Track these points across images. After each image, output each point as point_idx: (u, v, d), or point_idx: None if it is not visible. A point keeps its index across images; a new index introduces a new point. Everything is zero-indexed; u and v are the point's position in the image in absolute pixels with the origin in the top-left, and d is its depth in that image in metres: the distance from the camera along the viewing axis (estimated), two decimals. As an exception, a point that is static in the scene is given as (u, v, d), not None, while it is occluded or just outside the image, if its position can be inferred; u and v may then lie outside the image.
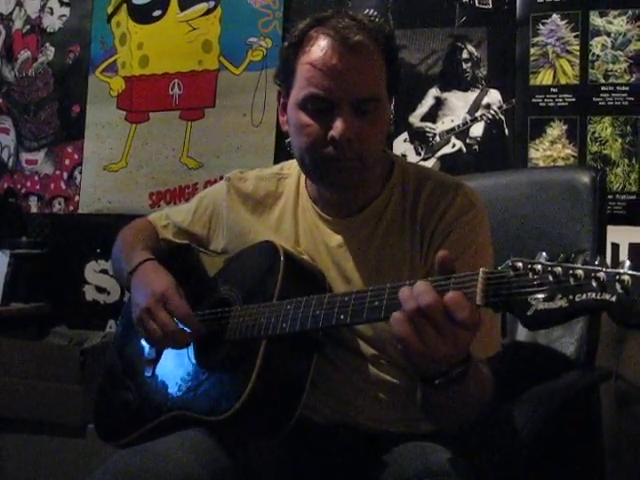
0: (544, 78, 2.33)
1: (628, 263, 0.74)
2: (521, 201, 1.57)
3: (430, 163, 2.42)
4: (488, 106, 2.38)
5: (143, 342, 1.32)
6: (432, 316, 0.87)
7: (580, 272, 0.76)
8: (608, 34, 2.26)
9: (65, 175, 2.95)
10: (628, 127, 2.23)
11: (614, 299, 0.73)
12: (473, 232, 1.19)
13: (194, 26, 2.77)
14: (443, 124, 2.44)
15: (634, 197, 2.22)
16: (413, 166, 1.32)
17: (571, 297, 0.76)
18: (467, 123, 2.40)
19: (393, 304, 0.93)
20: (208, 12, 2.75)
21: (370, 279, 1.18)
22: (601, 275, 0.75)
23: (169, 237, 1.43)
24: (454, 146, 2.42)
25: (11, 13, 3.06)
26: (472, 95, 2.41)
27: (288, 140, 1.24)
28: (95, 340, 2.57)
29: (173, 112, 2.78)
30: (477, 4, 2.41)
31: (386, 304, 0.96)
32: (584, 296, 0.75)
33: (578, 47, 2.29)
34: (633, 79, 2.23)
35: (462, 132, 2.41)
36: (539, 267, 0.80)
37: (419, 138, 2.46)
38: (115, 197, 2.84)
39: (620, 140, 2.24)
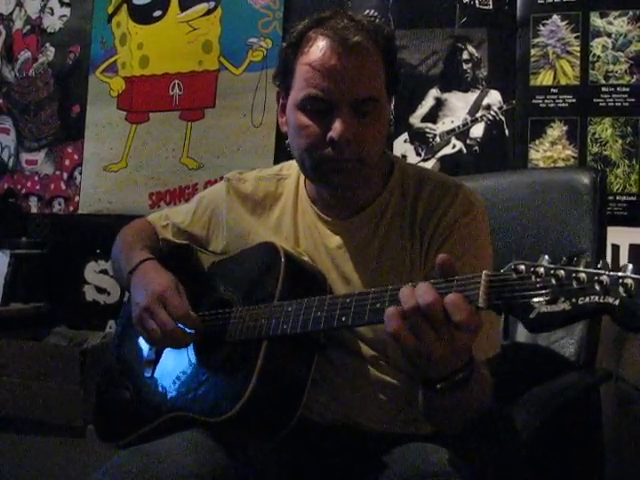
0: (544, 79, 2.33)
1: (631, 267, 0.74)
2: (521, 202, 1.57)
3: (430, 164, 2.42)
4: (488, 107, 2.38)
5: (143, 342, 1.32)
6: (431, 315, 0.87)
7: (583, 275, 0.76)
8: (609, 35, 2.26)
9: (65, 175, 2.94)
10: (628, 128, 2.23)
11: (617, 303, 0.73)
12: (473, 233, 1.19)
13: (194, 26, 2.77)
14: (443, 125, 2.43)
15: (634, 198, 2.22)
16: (413, 167, 1.32)
17: (574, 300, 0.76)
18: (467, 124, 2.40)
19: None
20: (208, 12, 2.75)
21: (370, 280, 1.18)
22: (604, 278, 0.74)
23: (169, 237, 1.43)
24: (454, 147, 2.42)
25: (11, 13, 3.06)
26: (472, 96, 2.40)
27: (288, 141, 1.23)
28: (95, 340, 2.56)
29: (173, 112, 2.78)
30: (477, 5, 2.41)
31: (388, 306, 0.96)
32: (587, 299, 0.75)
33: (578, 48, 2.29)
34: (633, 80, 2.23)
35: (462, 133, 2.41)
36: (542, 270, 0.80)
37: (419, 139, 2.46)
38: (115, 197, 2.84)
39: (620, 141, 2.24)
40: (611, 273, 0.74)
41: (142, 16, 2.85)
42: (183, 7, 2.79)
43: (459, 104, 2.42)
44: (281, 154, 2.54)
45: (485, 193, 1.43)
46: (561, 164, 2.28)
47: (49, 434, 2.33)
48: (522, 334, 1.52)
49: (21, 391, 2.35)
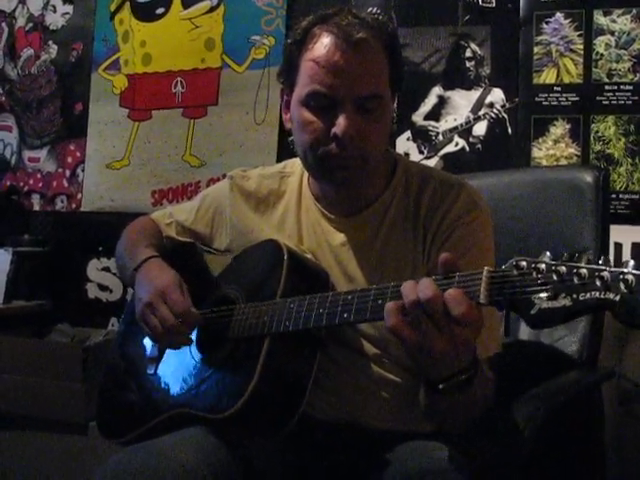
0: (547, 77, 2.32)
1: (632, 262, 0.74)
2: (524, 200, 1.57)
3: (433, 162, 2.42)
4: (491, 105, 2.38)
5: (146, 340, 1.33)
6: (431, 310, 0.87)
7: (584, 271, 0.76)
8: (612, 33, 2.26)
9: (67, 173, 2.95)
10: (632, 126, 2.23)
11: (618, 298, 0.74)
12: (475, 231, 1.19)
13: (197, 24, 2.76)
14: (446, 123, 2.43)
15: (637, 196, 2.21)
16: (416, 165, 1.32)
17: (575, 296, 0.76)
18: (470, 122, 2.40)
19: None
20: (211, 10, 2.75)
21: (373, 277, 1.18)
22: (605, 274, 0.75)
23: (172, 235, 1.44)
24: (457, 145, 2.42)
25: (14, 11, 3.06)
26: (475, 94, 2.40)
27: (291, 138, 1.24)
28: (97, 338, 2.57)
29: (176, 110, 2.78)
30: (480, 3, 2.40)
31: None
32: (588, 295, 0.75)
33: (582, 46, 2.29)
34: (637, 78, 2.23)
35: (465, 131, 2.41)
36: (543, 266, 0.80)
37: (422, 137, 2.46)
38: (117, 195, 2.84)
39: (623, 139, 2.23)
40: (612, 269, 0.75)
41: (145, 13, 2.85)
42: (186, 4, 2.79)
43: (462, 102, 2.42)
44: (284, 152, 2.54)
45: (488, 191, 1.43)
46: (564, 162, 2.28)
47: (51, 431, 2.33)
48: (525, 332, 1.51)
49: (23, 388, 2.35)
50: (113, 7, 2.90)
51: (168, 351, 1.29)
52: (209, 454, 1.09)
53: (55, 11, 3.00)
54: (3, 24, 3.07)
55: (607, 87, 2.25)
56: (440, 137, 2.44)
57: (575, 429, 1.41)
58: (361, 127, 1.13)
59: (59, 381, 2.32)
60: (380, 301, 0.97)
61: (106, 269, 2.82)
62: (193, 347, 1.25)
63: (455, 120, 2.42)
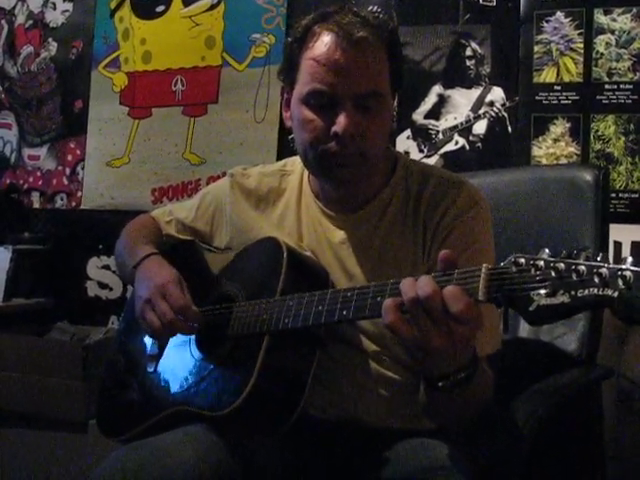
0: (547, 76, 2.32)
1: (630, 259, 0.74)
2: (524, 199, 1.57)
3: (433, 160, 2.42)
4: (491, 103, 2.38)
5: (146, 338, 1.33)
6: (429, 307, 0.87)
7: (582, 268, 0.76)
8: (612, 32, 2.26)
9: (67, 171, 2.95)
10: (631, 125, 2.23)
11: (616, 295, 0.73)
12: (475, 229, 1.19)
13: (197, 22, 2.77)
14: (446, 121, 2.43)
15: (637, 195, 2.21)
16: (416, 163, 1.32)
17: (573, 293, 0.76)
18: (470, 120, 2.40)
19: None
20: (211, 8, 2.75)
21: (372, 275, 1.19)
22: (603, 271, 0.74)
23: (172, 233, 1.44)
24: (457, 143, 2.42)
25: (14, 8, 3.06)
26: (475, 92, 2.40)
27: (291, 136, 1.24)
28: (97, 336, 2.57)
29: (176, 108, 2.78)
30: (481, 1, 2.41)
31: (388, 299, 0.96)
32: (586, 292, 0.75)
33: (582, 45, 2.29)
34: (637, 77, 2.23)
35: (465, 129, 2.41)
36: (541, 263, 0.80)
37: (422, 135, 2.46)
38: (118, 193, 2.84)
39: (623, 138, 2.23)
40: (610, 266, 0.74)
41: (145, 11, 2.85)
42: (186, 2, 2.79)
43: (462, 101, 2.42)
44: (284, 150, 2.54)
45: (488, 190, 1.43)
46: (564, 161, 2.28)
47: (51, 429, 2.34)
48: (524, 329, 1.51)
49: (23, 386, 2.36)
50: (113, 5, 2.90)
51: (168, 349, 1.29)
52: (209, 451, 1.09)
53: (55, 8, 3.00)
54: (3, 21, 3.07)
55: (607, 86, 2.26)
56: (440, 136, 2.44)
57: (574, 427, 1.42)
58: (361, 125, 1.13)
59: (59, 379, 2.32)
60: (379, 298, 0.97)
61: (106, 267, 2.82)
62: (193, 345, 1.26)
63: (455, 119, 2.42)
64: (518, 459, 1.15)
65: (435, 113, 2.45)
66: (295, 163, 1.35)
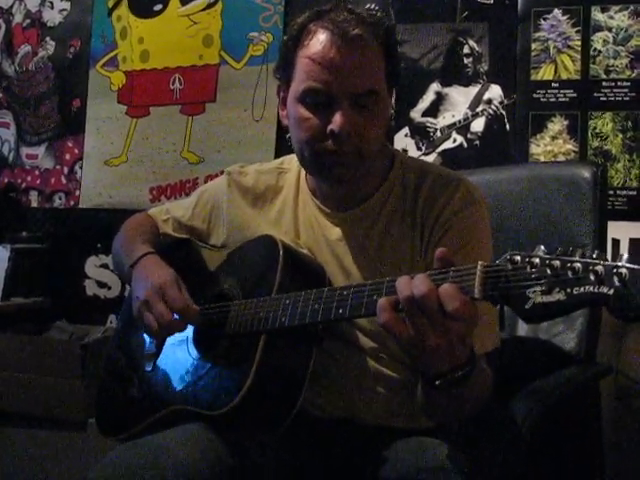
0: (545, 73, 2.32)
1: (626, 256, 0.74)
2: (522, 196, 1.57)
3: (431, 158, 2.42)
4: (489, 101, 2.38)
5: (144, 337, 1.32)
6: (425, 306, 0.87)
7: (578, 265, 0.76)
8: (609, 29, 2.26)
9: (66, 170, 2.94)
10: (629, 122, 2.23)
11: (612, 292, 0.73)
12: (473, 227, 1.18)
13: (195, 20, 2.76)
14: (444, 119, 2.43)
15: (635, 192, 2.21)
16: (414, 160, 1.32)
17: (569, 290, 0.76)
18: (468, 118, 2.40)
19: None
20: (209, 6, 2.75)
21: (370, 272, 1.18)
22: (599, 268, 0.74)
23: (169, 231, 1.44)
24: (455, 141, 2.42)
25: (11, 7, 3.05)
26: (473, 90, 2.40)
27: (289, 135, 1.23)
28: (96, 335, 2.56)
29: (174, 107, 2.78)
30: (478, -1, 2.41)
31: (385, 298, 0.96)
32: (582, 289, 0.75)
33: (579, 42, 2.29)
34: (634, 74, 2.23)
35: (463, 127, 2.41)
36: (537, 260, 0.79)
37: (420, 133, 2.46)
38: (116, 192, 2.84)
39: (621, 135, 2.23)
40: (606, 263, 0.74)
41: (142, 10, 2.85)
42: (184, 1, 2.79)
43: (460, 98, 2.42)
44: (282, 148, 2.54)
45: (486, 187, 1.43)
46: (562, 158, 2.28)
47: (50, 428, 2.33)
48: (523, 327, 1.51)
49: (22, 386, 2.36)
50: (111, 3, 2.89)
51: (165, 347, 1.29)
52: (207, 450, 1.09)
53: (52, 7, 2.99)
54: (0, 20, 3.07)
55: (605, 83, 2.26)
56: (438, 133, 2.44)
57: (573, 424, 1.42)
58: (357, 123, 1.13)
59: (58, 378, 2.32)
60: (375, 297, 0.97)
61: (104, 266, 2.81)
62: (190, 343, 1.25)
63: (453, 116, 2.42)
64: (517, 458, 1.15)
65: (433, 111, 2.45)
66: (292, 161, 1.35)
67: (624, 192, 2.22)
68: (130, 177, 2.82)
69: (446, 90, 2.44)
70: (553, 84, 2.31)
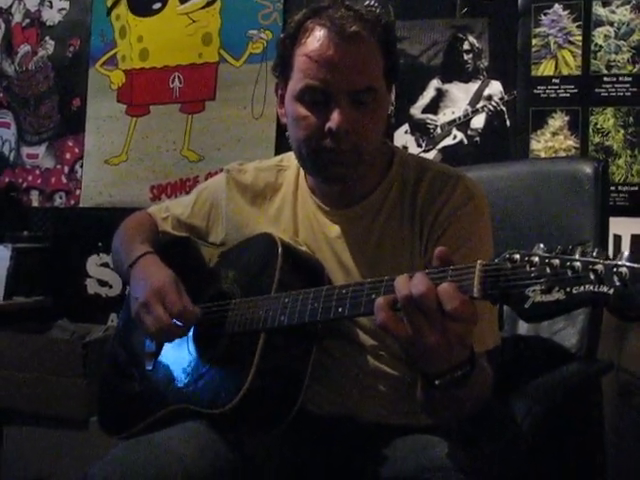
0: (546, 69, 2.31)
1: (627, 254, 0.73)
2: (523, 192, 1.57)
3: (431, 155, 2.42)
4: (489, 97, 2.37)
5: (144, 336, 1.32)
6: (423, 305, 0.86)
7: (578, 264, 0.75)
8: (611, 24, 2.25)
9: (66, 169, 2.94)
10: (630, 118, 2.22)
11: (611, 292, 0.72)
12: (473, 224, 1.18)
13: (194, 19, 2.76)
14: (444, 115, 2.43)
15: (636, 188, 2.20)
16: (413, 157, 1.31)
17: (568, 289, 0.75)
18: (468, 114, 2.39)
19: None
20: (208, 5, 2.75)
21: (369, 270, 1.18)
22: (599, 267, 0.73)
23: (168, 230, 1.43)
24: (455, 138, 2.41)
25: (10, 6, 3.05)
26: (473, 86, 2.39)
27: (288, 133, 1.22)
28: (97, 333, 2.57)
29: (173, 105, 2.78)
30: (478, -6, 2.40)
31: (383, 296, 0.95)
32: (582, 288, 0.74)
33: (580, 37, 2.28)
34: (636, 70, 2.22)
35: (463, 123, 2.40)
36: (536, 259, 0.79)
37: (420, 130, 2.45)
38: (116, 191, 2.84)
39: (622, 131, 2.23)
40: (606, 262, 0.73)
41: (141, 8, 2.84)
42: (182, -1, 2.78)
43: (460, 95, 2.41)
44: (282, 146, 2.53)
45: (486, 184, 1.42)
46: (563, 154, 2.27)
47: (52, 427, 2.34)
48: (523, 325, 1.51)
49: (24, 384, 2.36)
50: (110, 2, 2.89)
51: (166, 347, 1.29)
52: (207, 448, 1.09)
53: (52, 7, 2.99)
54: (0, 20, 3.07)
55: (606, 79, 2.25)
56: (438, 130, 2.43)
57: (575, 421, 1.41)
58: (356, 121, 1.12)
59: (59, 377, 2.32)
60: (374, 295, 0.96)
61: (105, 265, 2.81)
62: (190, 342, 1.25)
63: (453, 113, 2.41)
64: (518, 456, 1.15)
65: (433, 107, 2.44)
66: (291, 158, 1.34)
67: (625, 188, 2.21)
68: (130, 176, 2.82)
69: (446, 86, 2.43)
70: (554, 80, 2.30)
